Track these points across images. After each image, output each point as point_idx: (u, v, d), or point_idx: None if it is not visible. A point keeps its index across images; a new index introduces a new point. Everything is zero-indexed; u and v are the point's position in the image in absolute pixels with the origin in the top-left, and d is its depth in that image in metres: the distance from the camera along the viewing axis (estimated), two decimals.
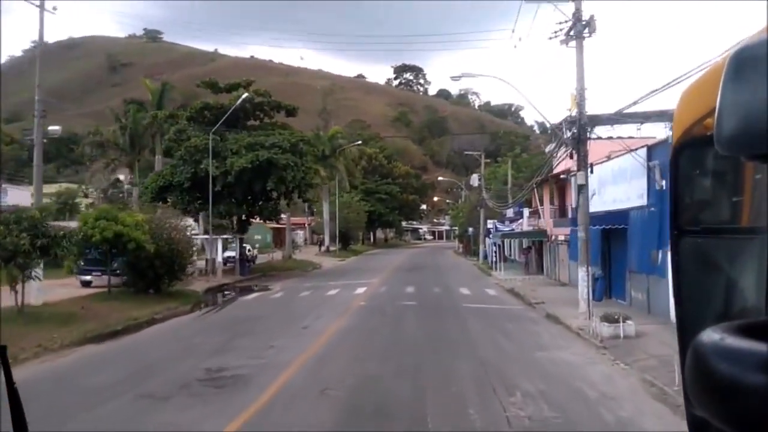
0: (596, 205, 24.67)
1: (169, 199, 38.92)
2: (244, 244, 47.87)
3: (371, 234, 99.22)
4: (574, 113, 19.62)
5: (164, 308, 23.60)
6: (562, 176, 28.91)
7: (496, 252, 45.05)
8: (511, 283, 31.89)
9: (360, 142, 76.68)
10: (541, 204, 35.66)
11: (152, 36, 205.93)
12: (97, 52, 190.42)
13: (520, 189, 50.39)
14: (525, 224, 38.03)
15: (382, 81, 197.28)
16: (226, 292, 31.24)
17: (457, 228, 77.45)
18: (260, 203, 40.87)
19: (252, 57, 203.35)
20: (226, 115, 36.97)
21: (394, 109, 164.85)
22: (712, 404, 0.79)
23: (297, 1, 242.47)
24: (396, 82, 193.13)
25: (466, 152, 72.82)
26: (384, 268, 44.42)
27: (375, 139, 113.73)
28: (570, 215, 29.19)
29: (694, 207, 1.51)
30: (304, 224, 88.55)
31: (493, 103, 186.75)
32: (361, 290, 29.02)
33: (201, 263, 37.46)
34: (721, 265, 1.41)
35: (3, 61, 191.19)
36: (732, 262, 1.38)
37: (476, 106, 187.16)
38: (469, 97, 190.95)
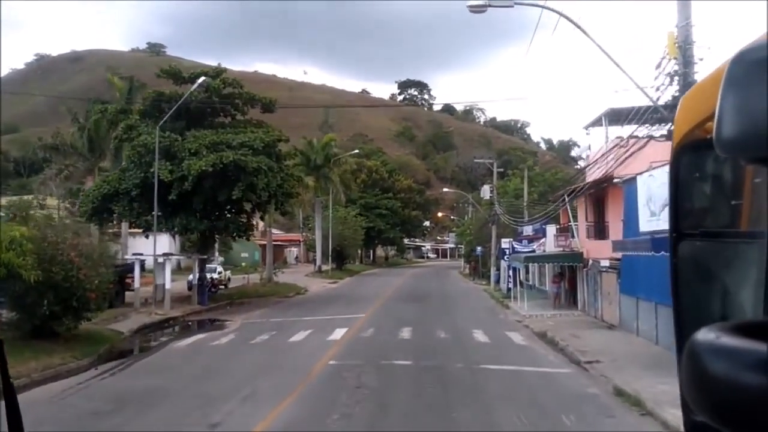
0: (658, 223, 16.68)
1: (114, 210, 30.98)
2: (214, 265, 39.98)
3: (371, 252, 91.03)
4: (671, 66, 11.54)
5: (41, 365, 15.60)
6: (615, 179, 20.77)
7: (511, 277, 36.89)
8: (540, 323, 23.68)
9: (357, 151, 68.80)
10: (574, 220, 27.49)
11: (155, 50, 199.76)
12: (99, 65, 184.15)
13: (532, 205, 42.55)
14: (552, 244, 29.90)
15: (386, 97, 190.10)
16: (161, 333, 23.13)
17: (463, 246, 69.21)
18: (228, 216, 32.90)
19: (256, 72, 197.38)
20: (177, 105, 29.13)
21: (398, 123, 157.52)
22: (707, 404, 0.77)
23: (301, 1, 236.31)
24: (400, 98, 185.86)
25: (476, 159, 64.75)
26: (378, 296, 36.24)
27: (377, 153, 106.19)
28: (623, 234, 21.06)
29: (694, 210, 1.47)
30: (299, 241, 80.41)
31: (498, 119, 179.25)
32: (339, 333, 20.86)
33: (148, 289, 29.45)
34: (720, 268, 1.37)
35: (4, 73, 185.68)
36: (731, 265, 1.35)
37: (482, 122, 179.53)
38: (475, 112, 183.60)
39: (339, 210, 64.65)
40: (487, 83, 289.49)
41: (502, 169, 53.27)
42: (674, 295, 1.41)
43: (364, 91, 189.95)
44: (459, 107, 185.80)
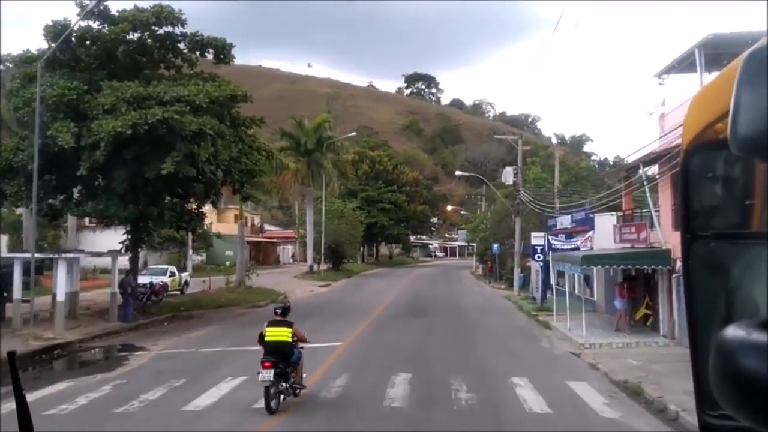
0: None
1: (6, 191, 22.06)
2: (167, 266, 31.26)
3: (374, 249, 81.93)
4: None
5: None
6: None
7: (543, 282, 27.84)
8: (614, 361, 14.56)
9: (353, 133, 59.68)
10: (654, 206, 18.20)
11: None
12: None
13: (562, 194, 33.61)
14: (612, 239, 20.68)
15: (392, 90, 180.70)
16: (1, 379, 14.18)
17: (475, 244, 59.99)
18: (166, 200, 23.91)
19: (260, 66, 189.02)
20: (68, 32, 20.30)
21: (405, 117, 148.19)
22: (739, 401, 0.76)
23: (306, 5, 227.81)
24: (407, 91, 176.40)
25: (496, 136, 55.60)
26: (370, 307, 27.22)
27: (383, 147, 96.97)
28: None
29: (705, 211, 1.43)
30: (295, 238, 71.29)
31: (509, 114, 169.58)
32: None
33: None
34: (733, 269, 1.35)
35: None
36: (743, 266, 1.32)
37: (491, 117, 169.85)
38: (484, 106, 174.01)
39: (335, 203, 55.77)
40: (497, 78, 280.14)
41: (528, 147, 44.00)
42: (687, 296, 1.37)
43: (370, 85, 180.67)
44: (468, 101, 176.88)
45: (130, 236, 23.67)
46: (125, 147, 20.92)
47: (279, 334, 10.40)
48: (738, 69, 0.88)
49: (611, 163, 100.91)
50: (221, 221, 59.94)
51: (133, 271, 23.62)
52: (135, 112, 20.28)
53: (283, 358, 10.23)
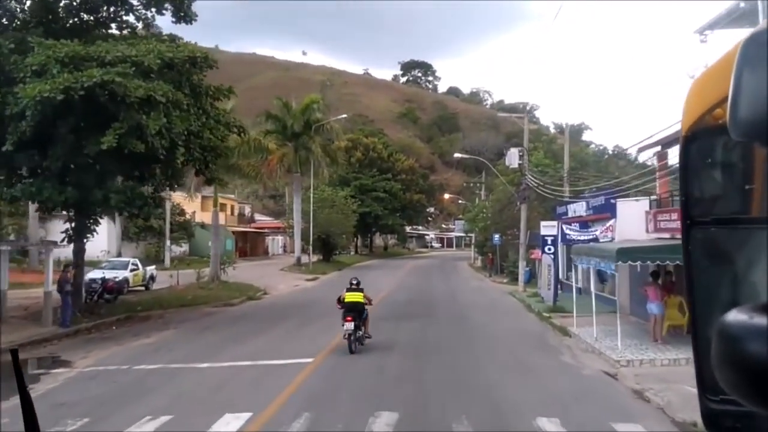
0: None
1: None
2: (129, 259, 27.65)
3: (368, 240, 78.33)
4: None
5: None
6: None
7: (554, 277, 24.25)
8: (669, 388, 11.00)
9: (345, 115, 55.85)
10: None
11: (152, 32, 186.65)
12: None
13: (572, 180, 30.13)
14: (644, 228, 17.10)
15: (389, 78, 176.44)
16: None
17: (474, 234, 56.43)
18: (121, 182, 20.20)
19: (254, 53, 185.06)
20: None
21: (401, 105, 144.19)
22: (741, 384, 0.76)
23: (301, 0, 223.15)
24: (404, 79, 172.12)
25: (501, 114, 51.85)
26: None
27: (378, 135, 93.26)
28: None
29: (705, 198, 1.42)
30: (285, 228, 67.52)
31: (506, 102, 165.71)
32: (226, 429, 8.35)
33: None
34: (733, 255, 1.36)
35: None
36: (744, 252, 1.33)
37: (488, 105, 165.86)
38: (482, 95, 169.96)
39: (325, 191, 52.12)
40: (494, 66, 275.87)
41: (536, 126, 40.28)
42: (688, 282, 1.35)
43: (366, 72, 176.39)
44: (465, 90, 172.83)
45: (73, 224, 20.03)
46: (59, 117, 17.27)
47: (355, 297, 14.34)
48: (737, 53, 0.85)
49: (610, 152, 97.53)
50: (206, 210, 56.22)
51: (78, 265, 19.97)
52: (69, 75, 16.57)
53: (358, 314, 14.09)
